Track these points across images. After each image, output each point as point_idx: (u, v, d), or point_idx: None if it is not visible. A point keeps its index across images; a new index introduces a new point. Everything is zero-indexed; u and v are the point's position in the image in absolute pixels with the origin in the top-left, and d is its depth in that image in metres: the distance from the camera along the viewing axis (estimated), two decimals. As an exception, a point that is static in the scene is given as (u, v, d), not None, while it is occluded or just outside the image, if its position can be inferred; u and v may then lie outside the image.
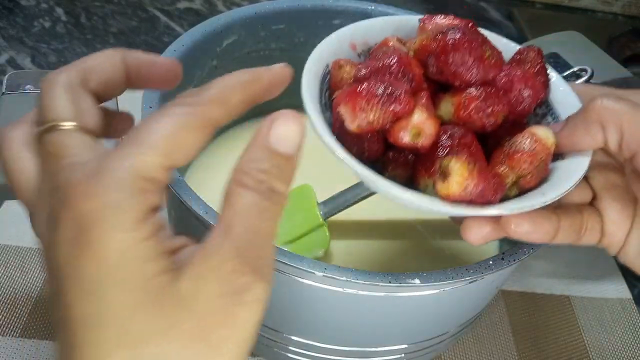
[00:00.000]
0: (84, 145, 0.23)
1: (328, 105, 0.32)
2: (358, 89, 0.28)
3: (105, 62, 0.26)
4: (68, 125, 0.23)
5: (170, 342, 0.20)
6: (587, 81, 0.46)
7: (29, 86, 0.35)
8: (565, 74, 0.47)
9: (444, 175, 0.27)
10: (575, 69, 0.48)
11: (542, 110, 0.35)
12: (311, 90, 0.31)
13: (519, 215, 0.30)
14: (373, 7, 0.50)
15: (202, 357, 0.20)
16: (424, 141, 0.28)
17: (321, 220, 0.46)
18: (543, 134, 0.30)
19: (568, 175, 0.30)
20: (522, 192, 0.30)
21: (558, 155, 0.31)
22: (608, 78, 0.57)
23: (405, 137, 0.28)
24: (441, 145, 0.28)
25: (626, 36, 0.77)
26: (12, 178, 0.24)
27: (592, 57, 0.61)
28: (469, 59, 0.29)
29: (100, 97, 0.26)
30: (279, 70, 0.27)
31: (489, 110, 0.29)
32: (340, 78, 0.32)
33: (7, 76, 0.35)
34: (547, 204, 0.28)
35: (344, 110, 0.28)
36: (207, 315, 0.20)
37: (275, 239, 0.22)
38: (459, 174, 0.26)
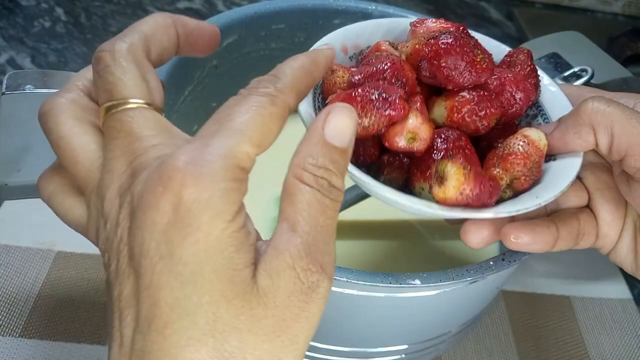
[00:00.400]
0: (158, 126, 0.23)
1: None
2: (353, 94, 0.28)
3: (162, 29, 0.26)
4: (140, 102, 0.23)
5: (253, 335, 0.20)
6: (587, 81, 0.46)
7: (29, 86, 0.35)
8: (565, 74, 0.47)
9: (441, 179, 0.27)
10: (576, 69, 0.48)
11: (532, 112, 0.35)
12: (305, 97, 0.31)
13: (518, 227, 0.30)
14: (373, 7, 0.50)
15: (280, 349, 0.21)
16: (419, 145, 0.29)
17: (321, 220, 0.46)
18: (535, 135, 0.30)
19: (561, 177, 0.30)
20: (517, 193, 0.30)
21: (550, 156, 0.31)
22: (608, 78, 0.57)
23: (400, 142, 0.28)
24: (436, 148, 0.29)
25: (626, 36, 0.77)
26: (67, 155, 0.23)
27: (592, 57, 0.61)
28: (461, 63, 0.29)
29: (155, 65, 0.26)
30: (329, 52, 0.27)
31: (482, 113, 0.30)
32: (333, 82, 0.32)
33: (7, 76, 0.35)
34: (541, 205, 0.28)
35: None
36: (285, 311, 0.21)
37: (335, 236, 0.23)
38: (456, 178, 0.27)
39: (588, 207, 0.34)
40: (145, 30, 0.25)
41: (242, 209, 0.21)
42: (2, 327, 0.44)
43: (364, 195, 0.44)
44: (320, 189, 0.22)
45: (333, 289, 0.33)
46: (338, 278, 0.31)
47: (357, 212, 0.46)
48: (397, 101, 0.27)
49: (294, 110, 0.25)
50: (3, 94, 0.34)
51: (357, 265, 0.41)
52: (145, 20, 0.26)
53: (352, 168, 0.28)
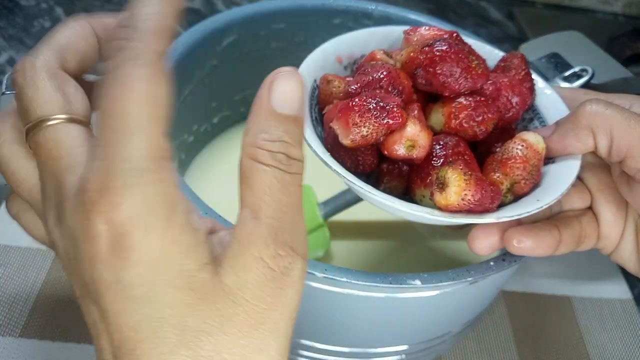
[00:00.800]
0: (79, 140, 0.21)
1: (319, 120, 0.33)
2: (350, 104, 0.28)
3: (78, 36, 0.24)
4: (57, 119, 0.21)
5: (227, 335, 0.20)
6: (587, 81, 0.46)
7: (28, 86, 0.35)
8: (565, 74, 0.47)
9: (442, 185, 0.27)
10: (576, 69, 0.47)
11: (528, 115, 0.35)
12: None
13: (521, 231, 0.30)
14: (373, 7, 0.50)
15: (260, 342, 0.20)
16: (418, 153, 0.29)
17: (321, 220, 0.46)
18: (534, 139, 0.30)
19: (561, 179, 0.30)
20: (517, 197, 0.31)
21: (549, 159, 0.32)
22: (608, 78, 0.56)
23: (399, 150, 0.28)
24: (435, 155, 0.29)
25: (626, 36, 0.77)
26: (9, 178, 0.23)
27: (593, 57, 0.61)
28: (456, 70, 0.29)
29: (76, 75, 0.24)
30: None
31: (480, 118, 0.30)
32: (329, 93, 0.32)
33: (7, 76, 0.35)
34: (543, 209, 0.29)
35: (337, 126, 0.28)
36: (258, 303, 0.20)
37: (302, 210, 0.22)
38: (457, 184, 0.27)
39: (590, 208, 0.34)
40: (59, 41, 0.24)
41: (177, 204, 0.20)
42: (2, 327, 0.44)
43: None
44: (279, 166, 0.21)
45: (333, 289, 0.33)
46: (338, 278, 0.31)
47: (357, 212, 0.46)
48: (395, 109, 0.28)
49: (163, 54, 0.21)
50: (3, 94, 0.34)
51: (357, 265, 0.41)
52: (59, 29, 0.24)
53: (352, 178, 0.28)
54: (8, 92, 0.34)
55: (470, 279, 0.32)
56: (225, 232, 0.22)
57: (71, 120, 0.22)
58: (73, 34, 0.24)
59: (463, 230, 0.34)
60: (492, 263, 0.33)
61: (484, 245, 0.31)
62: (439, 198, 0.27)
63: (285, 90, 0.22)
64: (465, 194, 0.27)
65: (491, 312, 0.51)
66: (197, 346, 0.19)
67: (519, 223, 0.32)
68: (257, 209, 0.21)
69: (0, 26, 0.72)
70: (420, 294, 0.34)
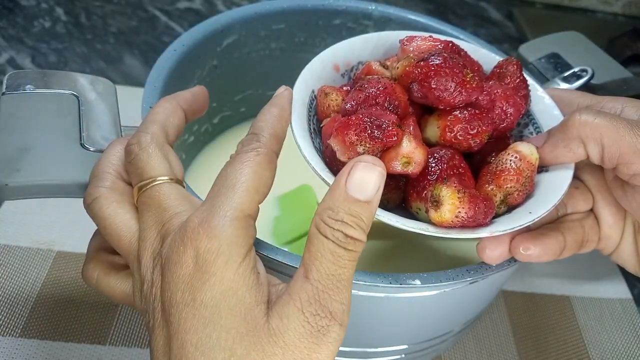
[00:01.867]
0: (181, 195, 0.27)
1: (317, 131, 0.33)
2: (347, 122, 0.29)
3: (172, 114, 0.30)
4: (164, 179, 0.27)
5: None
6: (587, 81, 0.46)
7: (29, 86, 0.35)
8: (565, 74, 0.47)
9: (436, 203, 0.28)
10: (576, 69, 0.48)
11: (523, 120, 0.36)
12: (299, 118, 0.32)
13: (528, 238, 0.31)
14: (373, 7, 0.50)
15: None
16: (413, 169, 0.29)
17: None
18: (527, 150, 0.31)
19: (553, 190, 0.31)
20: (511, 208, 0.31)
21: (542, 167, 0.32)
22: (608, 78, 0.56)
23: (396, 166, 0.29)
24: (431, 170, 0.30)
25: (626, 36, 0.77)
26: (112, 232, 0.27)
27: (593, 57, 0.61)
28: (451, 84, 0.29)
29: (172, 144, 0.30)
30: (288, 94, 0.31)
31: (474, 131, 0.30)
32: (326, 105, 0.33)
33: (7, 76, 0.35)
34: (535, 221, 0.29)
35: (334, 143, 0.29)
36: (294, 350, 0.23)
37: (351, 284, 0.25)
38: (450, 202, 0.28)
39: (591, 210, 0.34)
40: (160, 119, 0.30)
41: (251, 251, 0.25)
42: (2, 327, 0.44)
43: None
44: (335, 240, 0.24)
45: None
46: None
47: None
48: (390, 127, 0.28)
49: (278, 155, 0.28)
50: (3, 94, 0.34)
51: (358, 266, 0.41)
52: (157, 110, 0.30)
53: None
54: (8, 92, 0.34)
55: (470, 279, 0.32)
56: (283, 285, 0.25)
57: (175, 180, 0.28)
58: (168, 112, 0.30)
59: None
60: (492, 263, 0.33)
61: (495, 254, 0.31)
62: (434, 215, 0.28)
63: (363, 177, 0.25)
64: (459, 212, 0.28)
65: (491, 311, 0.51)
66: None
67: (527, 229, 0.32)
68: (308, 270, 0.24)
69: (0, 26, 0.72)
70: (420, 294, 0.34)
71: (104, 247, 0.30)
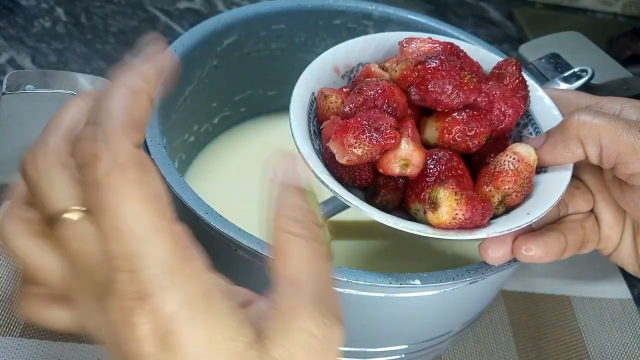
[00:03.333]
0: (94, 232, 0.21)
1: (317, 133, 0.33)
2: (345, 125, 0.29)
3: (82, 113, 0.23)
4: (77, 211, 0.21)
5: None
6: (587, 81, 0.46)
7: (29, 86, 0.35)
8: (565, 74, 0.47)
9: (434, 205, 0.28)
10: (576, 69, 0.48)
11: (523, 121, 0.36)
12: (299, 121, 0.32)
13: (530, 239, 0.31)
14: (373, 7, 0.50)
15: None
16: (412, 171, 0.30)
17: (321, 220, 0.46)
18: (525, 152, 0.31)
19: (551, 191, 0.31)
20: (510, 208, 0.31)
21: (541, 168, 0.32)
22: (608, 78, 0.57)
23: (394, 168, 0.30)
24: (429, 171, 0.30)
25: (626, 36, 0.77)
26: (32, 273, 0.22)
27: (592, 57, 0.61)
28: (448, 87, 0.30)
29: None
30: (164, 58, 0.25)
31: (472, 133, 0.30)
32: (326, 108, 0.33)
33: (7, 76, 0.35)
34: (531, 222, 0.29)
35: (333, 146, 0.29)
36: None
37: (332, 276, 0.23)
38: (448, 204, 0.28)
39: (591, 210, 0.34)
40: (65, 123, 0.22)
41: (213, 293, 0.21)
42: (2, 327, 0.44)
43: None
44: (311, 236, 0.22)
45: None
46: (338, 278, 0.31)
47: (357, 212, 0.46)
48: (388, 130, 0.29)
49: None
50: (3, 94, 0.34)
51: (357, 265, 0.41)
52: (63, 110, 0.23)
53: (349, 197, 0.29)
54: (8, 92, 0.34)
55: (470, 279, 0.32)
56: (264, 303, 0.22)
57: (88, 212, 0.21)
58: (77, 112, 0.23)
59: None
60: (491, 263, 0.33)
61: (497, 255, 0.31)
62: (431, 217, 0.28)
63: (294, 169, 0.23)
64: (457, 213, 0.28)
65: (491, 311, 0.51)
66: None
67: (530, 229, 0.32)
68: (296, 280, 0.21)
69: (0, 26, 0.72)
70: (420, 294, 0.34)
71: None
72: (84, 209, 0.21)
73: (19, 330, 0.44)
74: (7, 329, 0.44)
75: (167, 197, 0.21)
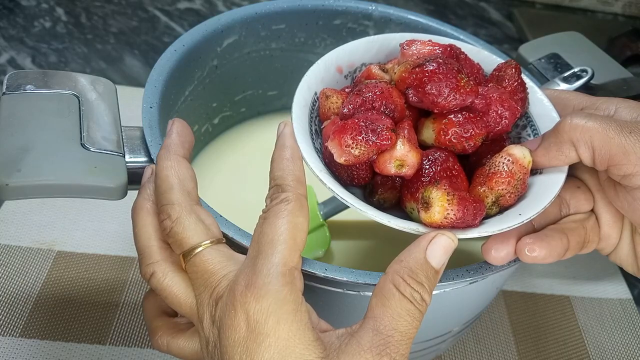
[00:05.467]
0: (224, 256, 0.28)
1: (319, 133, 0.34)
2: (343, 127, 0.30)
3: (181, 168, 0.30)
4: (205, 244, 0.28)
5: None
6: (587, 81, 0.47)
7: (29, 86, 0.35)
8: (565, 74, 0.47)
9: (426, 205, 0.29)
10: (576, 69, 0.48)
11: (522, 122, 0.36)
12: (299, 120, 0.32)
13: (534, 240, 0.31)
14: (373, 7, 0.50)
15: None
16: (407, 171, 0.30)
17: (321, 220, 0.46)
18: (520, 154, 0.31)
19: (545, 193, 0.31)
20: (503, 209, 0.32)
21: (536, 170, 0.32)
22: (608, 78, 0.56)
23: (390, 169, 0.30)
24: (424, 171, 0.31)
25: (626, 36, 0.77)
26: (174, 300, 0.29)
27: (592, 57, 0.61)
28: (445, 89, 0.30)
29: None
30: (289, 129, 0.31)
31: (468, 134, 0.31)
32: (327, 108, 0.34)
33: (7, 76, 0.35)
34: (524, 223, 0.30)
35: (331, 146, 0.30)
36: None
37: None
38: (440, 205, 0.28)
39: (592, 211, 0.34)
40: (175, 183, 0.30)
41: (302, 304, 0.26)
42: (2, 327, 0.44)
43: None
44: (413, 301, 0.26)
45: (334, 289, 0.33)
46: (339, 278, 0.31)
47: (357, 212, 0.46)
48: (385, 132, 0.29)
49: (305, 196, 0.29)
50: (3, 94, 0.34)
51: (357, 265, 0.41)
52: (166, 174, 0.30)
53: (345, 195, 0.30)
54: (8, 92, 0.34)
55: (470, 279, 0.32)
56: (343, 333, 0.26)
57: (215, 241, 0.28)
58: (177, 170, 0.30)
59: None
60: (491, 263, 0.33)
61: (500, 255, 0.31)
62: (424, 216, 0.29)
63: (442, 250, 0.27)
64: (448, 213, 0.28)
65: (491, 311, 0.51)
66: None
67: (533, 230, 0.32)
68: (381, 324, 0.25)
69: (0, 26, 0.72)
70: (420, 294, 0.34)
71: (162, 310, 0.32)
72: (210, 240, 0.28)
73: (19, 330, 0.44)
74: (7, 329, 0.44)
75: (306, 236, 0.28)
